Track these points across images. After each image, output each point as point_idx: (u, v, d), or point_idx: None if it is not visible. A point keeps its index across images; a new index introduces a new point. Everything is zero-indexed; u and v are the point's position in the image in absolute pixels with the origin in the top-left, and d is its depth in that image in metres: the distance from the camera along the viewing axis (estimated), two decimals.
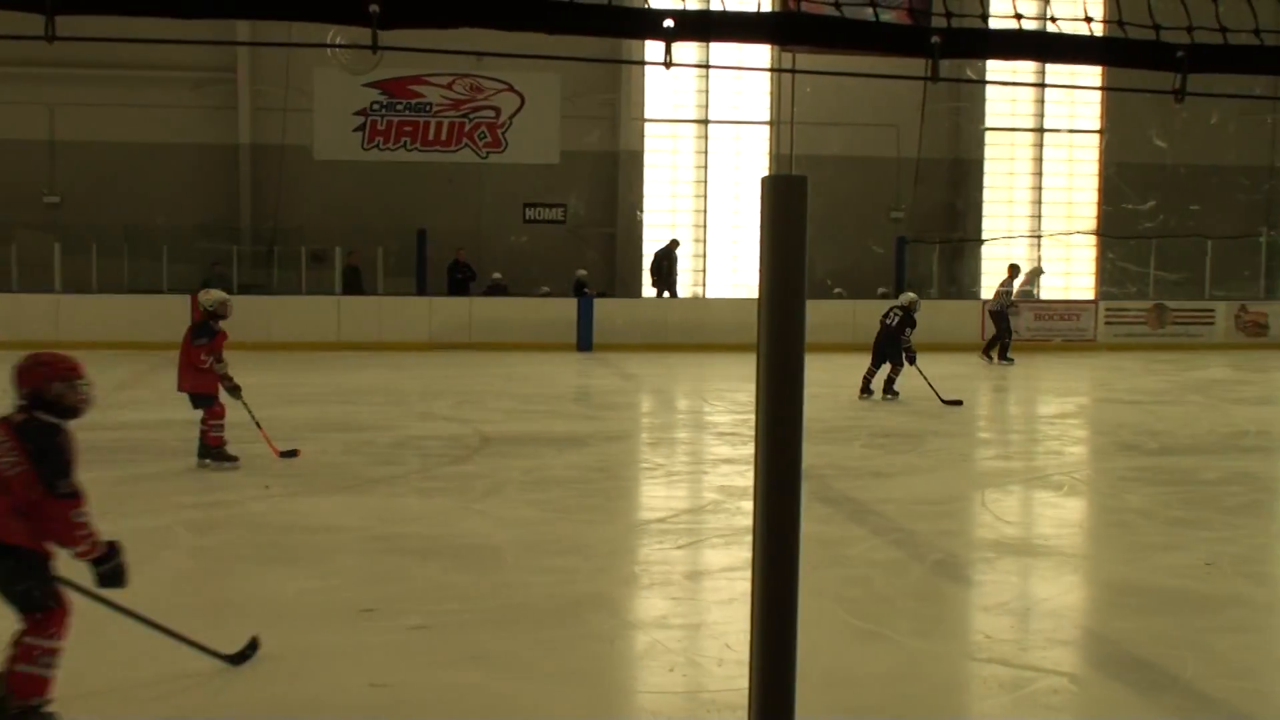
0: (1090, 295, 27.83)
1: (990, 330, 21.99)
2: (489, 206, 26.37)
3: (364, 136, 24.72)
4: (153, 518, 8.65)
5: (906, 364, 15.35)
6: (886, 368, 15.79)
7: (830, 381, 16.36)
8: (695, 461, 12.06)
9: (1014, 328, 21.63)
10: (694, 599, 6.99)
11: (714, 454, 12.40)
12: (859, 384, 15.66)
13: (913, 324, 15.79)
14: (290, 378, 18.12)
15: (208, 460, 10.57)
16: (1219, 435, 13.53)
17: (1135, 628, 6.52)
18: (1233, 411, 15.61)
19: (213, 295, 10.88)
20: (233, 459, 10.57)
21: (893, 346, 15.82)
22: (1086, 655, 6.23)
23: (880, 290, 24.97)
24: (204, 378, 10.45)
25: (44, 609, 4.69)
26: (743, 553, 7.10)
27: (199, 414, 10.59)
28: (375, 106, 24.66)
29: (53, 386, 4.75)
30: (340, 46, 17.63)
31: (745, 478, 9.71)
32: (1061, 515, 9.62)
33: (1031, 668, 5.78)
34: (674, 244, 26.57)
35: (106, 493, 7.64)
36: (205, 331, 10.52)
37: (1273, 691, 5.67)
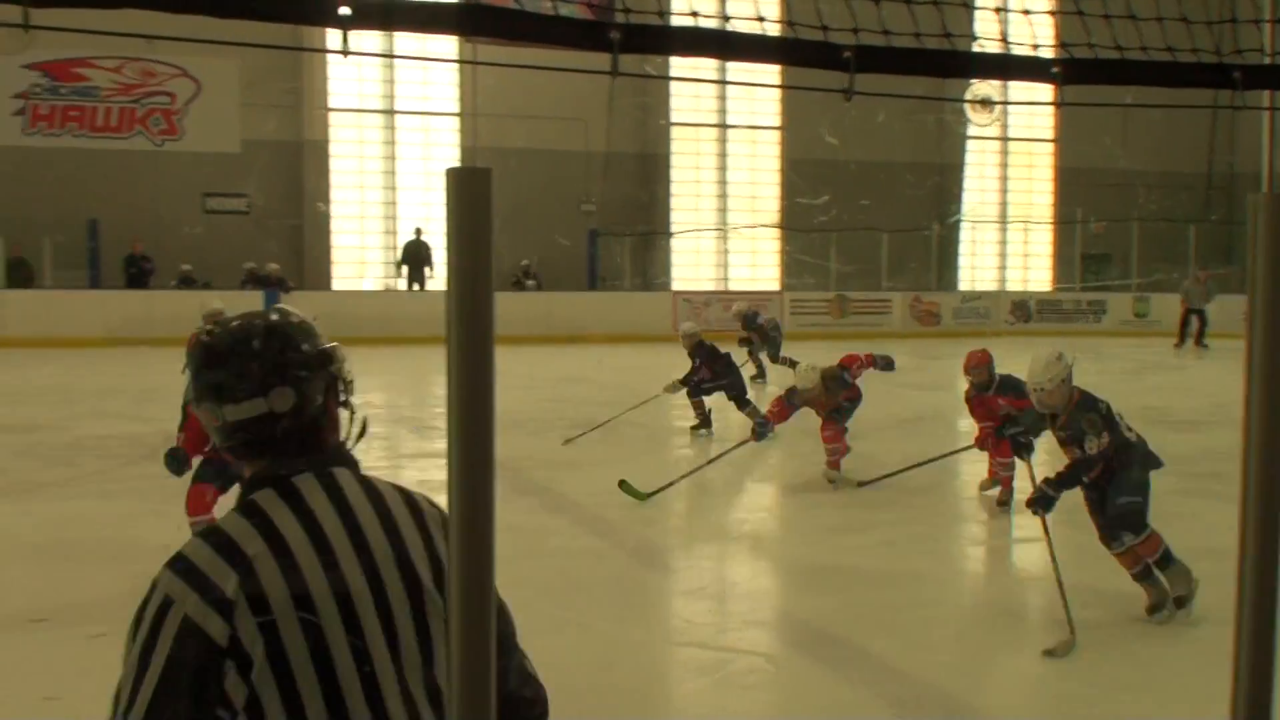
0: (776, 286, 28.80)
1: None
2: (166, 196, 25.13)
3: (25, 120, 23.10)
4: None
5: None
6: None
7: (525, 374, 16.40)
8: (391, 456, 11.86)
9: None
10: None
11: (409, 448, 12.26)
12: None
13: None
14: None
15: None
16: (898, 420, 14.21)
17: (825, 606, 6.79)
18: (909, 396, 16.44)
19: None
20: None
21: None
22: (781, 635, 6.45)
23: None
24: None
25: None
26: None
27: None
28: (36, 89, 23.06)
29: None
30: None
31: (442, 470, 9.50)
32: (754, 500, 9.91)
33: (729, 649, 5.95)
34: (418, 233, 26.03)
35: None
36: None
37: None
